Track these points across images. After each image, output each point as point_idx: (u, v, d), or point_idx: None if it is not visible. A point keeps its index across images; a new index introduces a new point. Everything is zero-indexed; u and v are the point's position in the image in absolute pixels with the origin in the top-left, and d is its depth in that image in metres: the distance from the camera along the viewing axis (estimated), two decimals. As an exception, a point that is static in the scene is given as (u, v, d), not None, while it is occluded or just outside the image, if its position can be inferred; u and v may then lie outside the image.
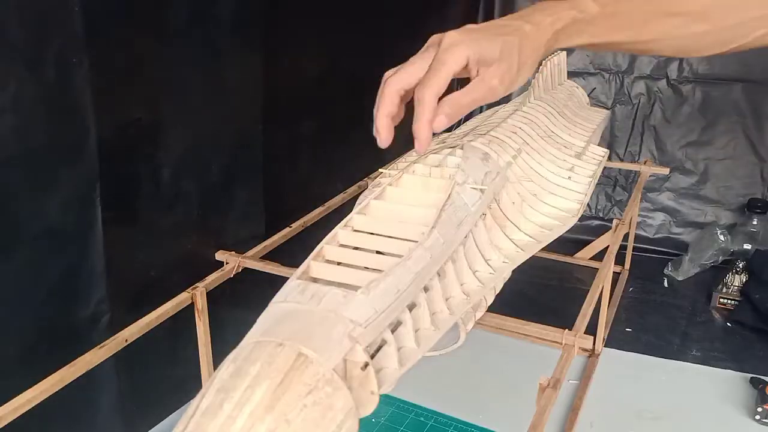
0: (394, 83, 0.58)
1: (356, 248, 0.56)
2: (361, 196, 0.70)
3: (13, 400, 0.59)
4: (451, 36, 0.56)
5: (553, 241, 0.70)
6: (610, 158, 1.36)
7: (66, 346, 0.68)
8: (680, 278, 1.27)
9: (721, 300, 1.18)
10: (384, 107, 0.58)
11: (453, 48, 0.55)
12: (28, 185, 0.63)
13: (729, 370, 1.00)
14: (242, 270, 0.84)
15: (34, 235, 0.65)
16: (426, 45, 0.59)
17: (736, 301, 1.17)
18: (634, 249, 1.27)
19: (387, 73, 0.59)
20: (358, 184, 1.05)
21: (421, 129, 0.56)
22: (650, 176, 1.37)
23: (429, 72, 0.55)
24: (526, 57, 0.58)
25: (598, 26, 0.61)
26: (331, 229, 0.57)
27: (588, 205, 0.80)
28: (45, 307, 0.67)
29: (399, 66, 0.59)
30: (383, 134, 0.58)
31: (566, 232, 0.72)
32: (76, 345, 0.68)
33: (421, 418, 0.87)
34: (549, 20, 0.58)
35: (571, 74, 1.28)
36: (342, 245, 0.56)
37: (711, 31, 0.64)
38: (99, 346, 0.67)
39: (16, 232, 0.63)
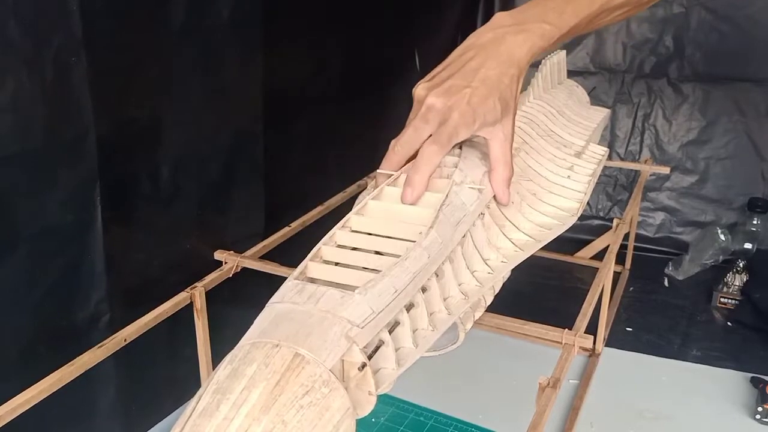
0: (402, 152, 0.62)
1: (354, 248, 0.55)
2: (360, 196, 0.70)
3: (12, 399, 0.59)
4: (457, 111, 0.60)
5: (553, 240, 0.70)
6: (610, 157, 1.36)
7: (66, 346, 0.68)
8: (681, 278, 1.27)
9: (722, 299, 1.18)
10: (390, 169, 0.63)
11: (460, 131, 0.60)
12: (28, 185, 0.63)
13: (729, 370, 1.00)
14: (241, 270, 0.84)
15: (33, 235, 0.65)
16: (424, 107, 0.61)
17: (737, 300, 1.17)
18: (635, 248, 1.27)
19: (393, 141, 0.63)
20: (357, 183, 1.05)
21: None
22: (651, 175, 1.37)
23: (430, 150, 0.59)
24: (515, 101, 0.64)
25: (555, 43, 0.68)
26: (330, 229, 0.57)
27: (588, 204, 0.79)
28: (44, 307, 0.67)
29: (403, 133, 0.62)
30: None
31: (566, 231, 0.71)
32: (76, 345, 0.67)
33: (421, 418, 0.87)
34: (527, 57, 0.64)
35: (572, 73, 1.28)
36: (340, 245, 0.55)
37: (629, 9, 0.76)
38: (98, 346, 0.67)
39: (16, 231, 0.63)
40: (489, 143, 0.63)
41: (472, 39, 0.65)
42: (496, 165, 0.64)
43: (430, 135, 0.60)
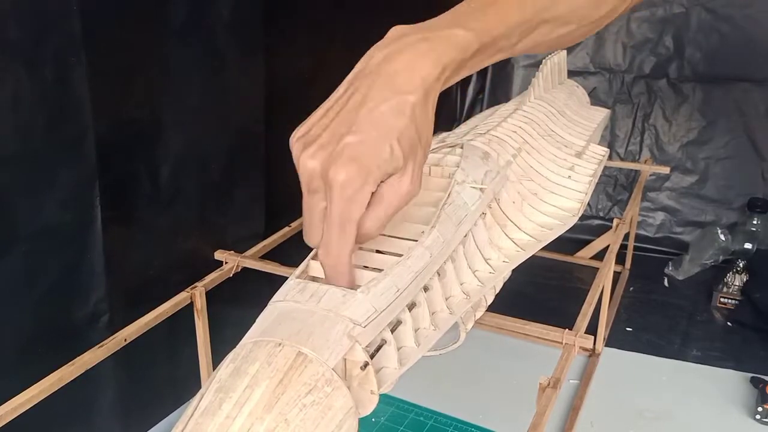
0: (311, 239, 0.48)
1: (356, 247, 0.55)
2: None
3: (12, 399, 0.59)
4: (341, 174, 0.43)
5: (554, 240, 0.70)
6: (610, 157, 1.36)
7: (65, 346, 0.68)
8: (681, 278, 1.27)
9: (722, 299, 1.18)
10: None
11: (353, 194, 0.44)
12: (27, 184, 0.63)
13: (729, 370, 1.00)
14: (241, 269, 0.84)
15: (33, 235, 0.64)
16: (304, 178, 0.47)
17: (737, 300, 1.17)
18: (635, 248, 1.27)
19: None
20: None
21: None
22: (651, 175, 1.37)
23: (332, 231, 0.45)
24: (426, 136, 0.48)
25: (477, 58, 0.51)
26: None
27: (588, 204, 0.79)
28: (44, 306, 0.67)
29: (303, 222, 0.48)
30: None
31: (567, 231, 0.71)
32: (76, 344, 0.67)
33: (421, 418, 0.87)
34: (435, 72, 0.47)
35: (572, 73, 1.28)
36: None
37: (575, 29, 0.59)
38: (98, 346, 0.67)
39: (16, 231, 0.63)
40: (384, 188, 0.46)
41: (360, 65, 0.49)
42: (375, 204, 0.46)
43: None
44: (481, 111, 1.42)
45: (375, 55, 0.48)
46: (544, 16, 0.54)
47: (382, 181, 0.46)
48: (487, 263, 0.62)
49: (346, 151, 0.44)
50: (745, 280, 1.20)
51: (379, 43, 0.49)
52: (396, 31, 0.50)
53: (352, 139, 0.44)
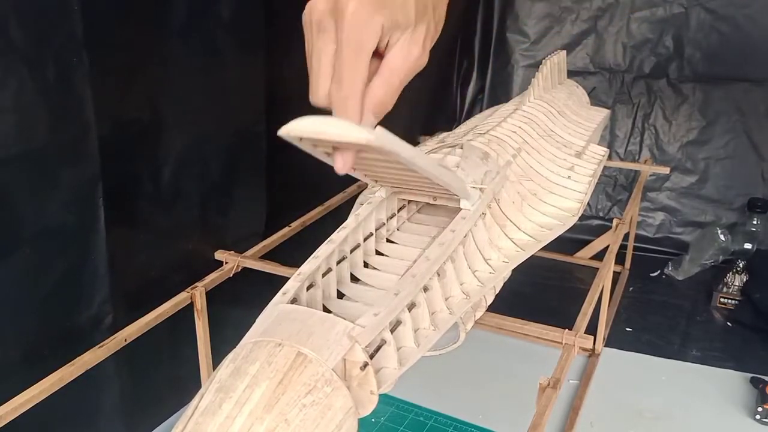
0: (318, 90, 0.46)
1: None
2: (360, 196, 0.70)
3: (13, 399, 0.59)
4: (353, 3, 0.43)
5: (553, 240, 0.70)
6: (610, 157, 1.36)
7: (69, 348, 0.68)
8: (681, 278, 1.27)
9: (722, 300, 1.18)
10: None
11: (364, 21, 0.43)
12: (30, 185, 0.63)
13: (729, 370, 1.00)
14: (241, 269, 0.84)
15: (36, 236, 0.64)
16: (312, 19, 0.46)
17: (737, 300, 1.17)
18: (635, 248, 1.27)
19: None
20: (357, 183, 1.05)
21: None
22: (650, 175, 1.37)
23: (344, 59, 0.44)
24: (439, 13, 0.48)
25: None
26: (330, 229, 0.57)
27: (588, 204, 0.79)
28: (48, 308, 0.67)
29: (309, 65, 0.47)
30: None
31: (566, 231, 0.71)
32: (79, 347, 0.67)
33: (421, 418, 0.87)
34: None
35: (572, 73, 1.28)
36: None
37: None
38: (98, 346, 0.67)
39: (19, 232, 0.63)
40: (389, 47, 0.46)
41: None
42: (384, 69, 0.46)
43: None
44: (481, 111, 1.42)
45: None
46: None
47: (388, 45, 0.46)
48: (487, 263, 0.62)
49: None
50: (745, 280, 1.20)
51: None
52: None
53: None
